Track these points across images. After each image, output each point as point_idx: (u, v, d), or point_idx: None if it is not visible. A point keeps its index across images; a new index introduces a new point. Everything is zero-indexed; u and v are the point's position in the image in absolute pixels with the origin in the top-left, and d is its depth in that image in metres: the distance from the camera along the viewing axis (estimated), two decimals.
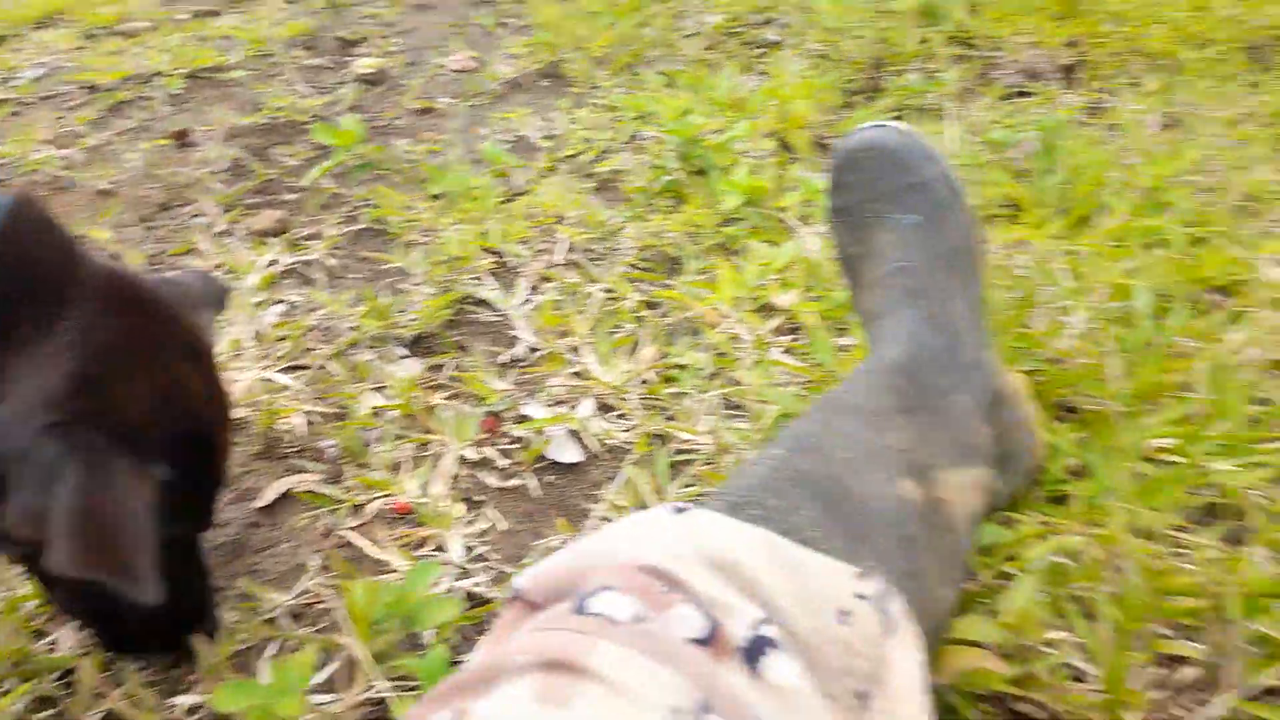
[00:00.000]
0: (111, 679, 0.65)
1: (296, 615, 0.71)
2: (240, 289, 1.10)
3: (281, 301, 1.10)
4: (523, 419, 0.89)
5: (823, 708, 0.38)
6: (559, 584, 0.40)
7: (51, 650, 0.68)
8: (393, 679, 0.63)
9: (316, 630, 0.69)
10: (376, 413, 0.91)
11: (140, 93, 1.80)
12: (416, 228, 1.23)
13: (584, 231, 1.19)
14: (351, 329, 1.03)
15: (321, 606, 0.71)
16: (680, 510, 0.45)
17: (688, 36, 1.85)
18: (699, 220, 1.16)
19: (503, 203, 1.28)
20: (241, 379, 0.95)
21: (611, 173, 1.35)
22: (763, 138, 1.30)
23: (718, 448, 0.81)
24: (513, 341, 1.01)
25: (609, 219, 1.21)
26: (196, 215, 1.32)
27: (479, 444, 0.87)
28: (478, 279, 1.11)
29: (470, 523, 0.79)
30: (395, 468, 0.85)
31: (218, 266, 1.17)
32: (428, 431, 0.88)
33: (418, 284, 1.11)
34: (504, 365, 0.98)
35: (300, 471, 0.85)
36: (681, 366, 0.92)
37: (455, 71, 1.87)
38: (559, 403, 0.91)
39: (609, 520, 0.77)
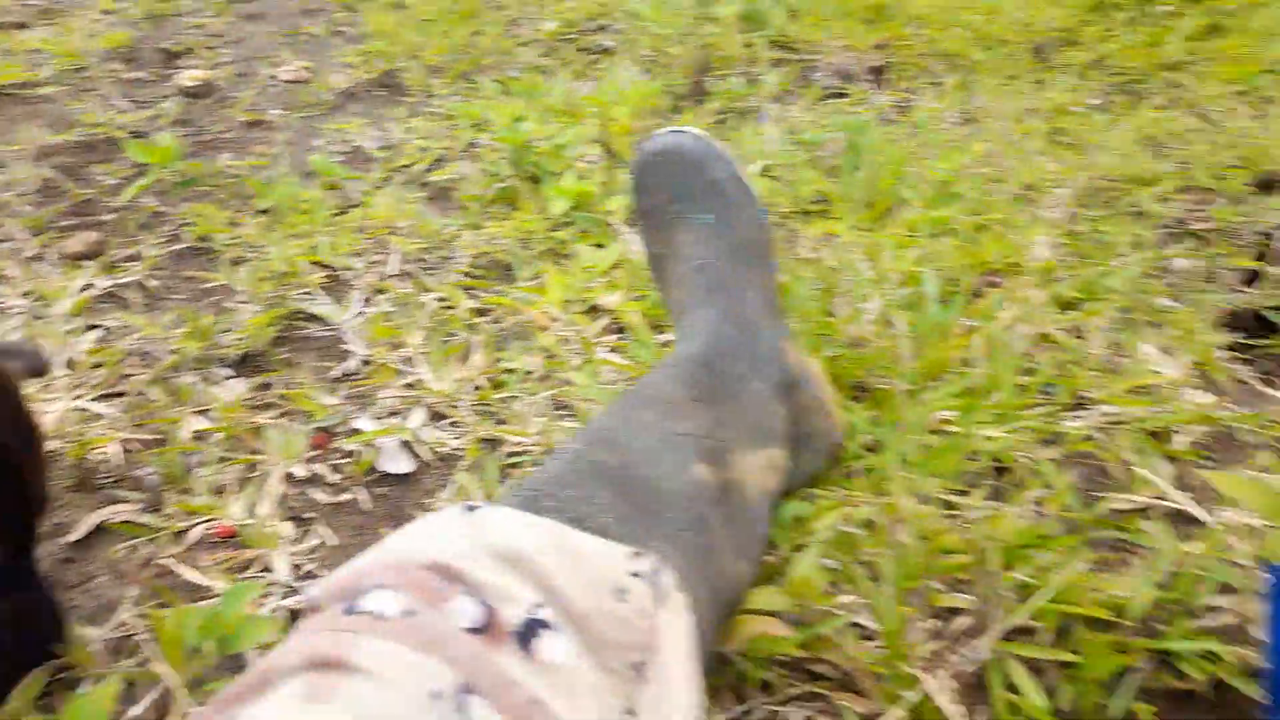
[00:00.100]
0: None
1: (115, 649, 0.70)
2: (51, 316, 1.05)
3: (97, 327, 1.06)
4: (355, 432, 0.89)
5: (598, 681, 0.40)
6: (343, 589, 0.42)
7: None
8: None
9: (137, 663, 0.68)
10: (199, 436, 0.89)
11: None
12: (243, 244, 1.20)
13: (418, 241, 1.19)
14: (172, 352, 1.00)
15: (139, 638, 0.70)
16: (471, 509, 0.47)
17: (524, 44, 1.87)
18: (530, 226, 1.18)
19: (335, 215, 1.27)
20: (52, 410, 0.91)
21: (448, 181, 1.36)
22: (591, 143, 1.34)
23: (547, 448, 0.84)
24: (344, 355, 1.01)
25: (443, 228, 1.22)
26: (3, 240, 1.25)
27: (308, 461, 0.87)
28: (309, 294, 1.10)
29: (298, 541, 0.78)
30: (219, 491, 0.83)
31: (27, 294, 1.11)
32: (254, 452, 0.87)
33: (243, 302, 1.09)
34: (335, 380, 0.97)
35: (117, 502, 0.82)
36: (511, 371, 0.94)
37: (287, 82, 1.83)
38: (391, 414, 0.92)
39: None
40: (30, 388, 0.89)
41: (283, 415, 0.92)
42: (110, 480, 0.85)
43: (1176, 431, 0.80)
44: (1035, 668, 0.61)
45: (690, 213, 0.75)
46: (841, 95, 1.51)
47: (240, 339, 1.02)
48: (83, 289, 1.12)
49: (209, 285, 1.13)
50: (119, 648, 0.70)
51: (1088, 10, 1.77)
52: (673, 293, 0.77)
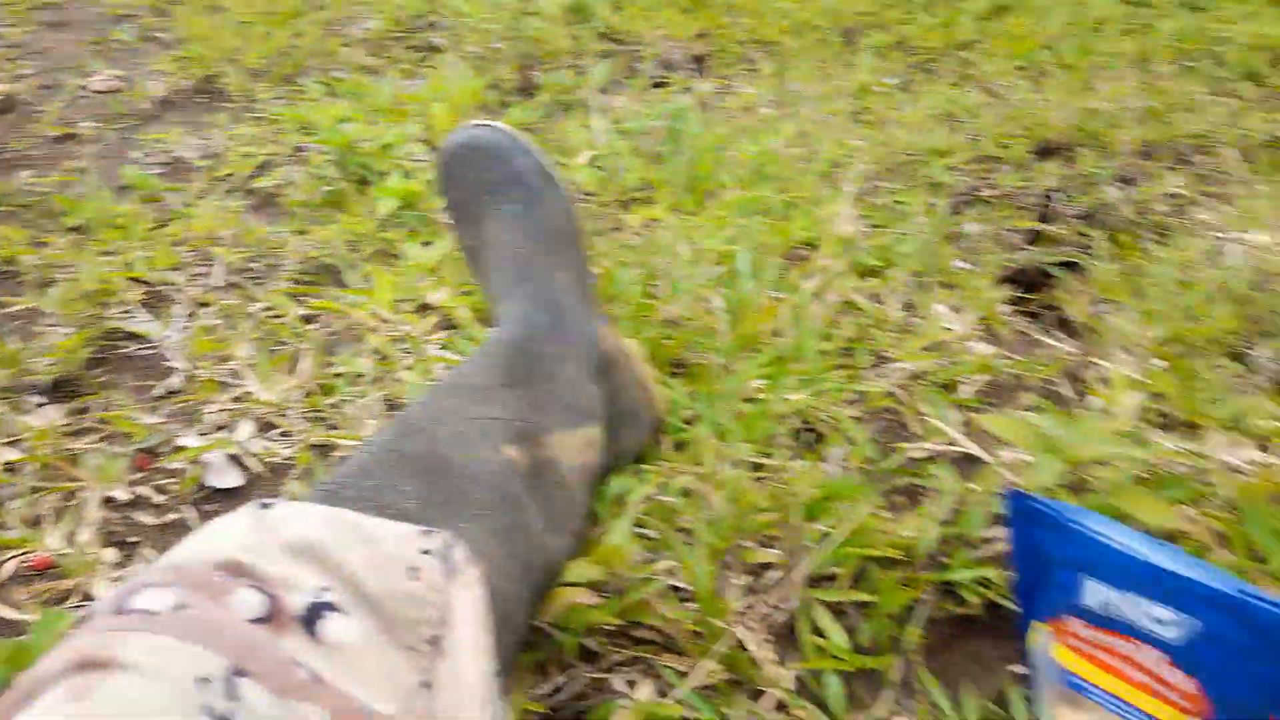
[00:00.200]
0: None
1: None
2: None
3: None
4: (179, 450, 0.87)
5: (393, 657, 0.42)
6: (116, 595, 0.41)
7: None
8: None
9: None
10: (10, 468, 0.85)
11: None
12: (51, 265, 1.15)
13: (243, 250, 1.17)
14: None
15: None
16: (265, 506, 0.48)
17: (349, 44, 1.83)
18: (358, 228, 1.17)
19: (153, 229, 1.23)
20: None
21: (273, 187, 1.33)
22: (416, 142, 1.34)
23: None
24: (167, 373, 0.98)
25: (270, 235, 1.19)
26: None
27: (131, 484, 0.84)
28: (127, 312, 1.06)
29: (122, 565, 0.77)
30: (35, 523, 0.80)
31: None
32: (72, 480, 0.84)
33: (53, 325, 1.04)
34: (158, 399, 0.95)
35: None
36: (340, 375, 0.94)
37: (98, 93, 1.74)
38: (218, 429, 0.90)
39: None
40: None
41: (102, 439, 0.89)
42: None
43: (963, 382, 0.87)
44: (838, 610, 0.66)
45: (497, 204, 0.77)
46: (666, 84, 1.56)
47: (52, 363, 0.97)
48: None
49: (14, 310, 1.08)
50: None
51: None
52: (488, 282, 0.79)
